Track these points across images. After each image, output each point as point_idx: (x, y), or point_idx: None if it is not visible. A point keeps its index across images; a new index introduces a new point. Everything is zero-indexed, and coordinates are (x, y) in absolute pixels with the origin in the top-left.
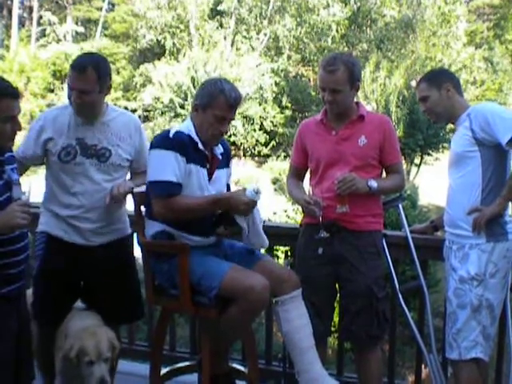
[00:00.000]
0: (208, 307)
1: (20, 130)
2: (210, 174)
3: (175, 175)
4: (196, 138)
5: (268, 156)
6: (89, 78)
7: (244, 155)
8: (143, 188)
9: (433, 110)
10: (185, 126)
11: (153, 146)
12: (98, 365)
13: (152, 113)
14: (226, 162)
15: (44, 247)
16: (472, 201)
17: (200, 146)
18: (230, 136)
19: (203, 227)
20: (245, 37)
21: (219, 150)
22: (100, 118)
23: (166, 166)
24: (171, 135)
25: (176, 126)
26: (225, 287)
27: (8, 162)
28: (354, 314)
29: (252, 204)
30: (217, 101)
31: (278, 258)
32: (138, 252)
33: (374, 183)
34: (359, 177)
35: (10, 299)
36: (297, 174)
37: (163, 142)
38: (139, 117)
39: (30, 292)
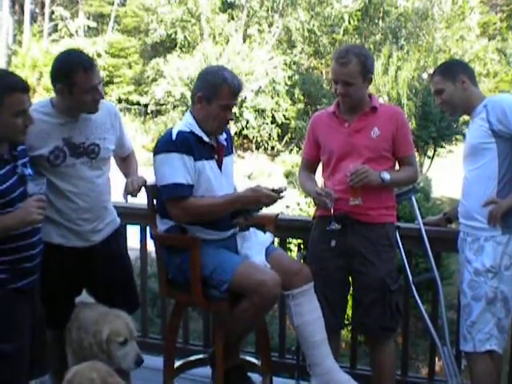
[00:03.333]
0: (219, 301)
1: (32, 123)
2: (220, 163)
3: (184, 177)
4: (199, 132)
5: (281, 150)
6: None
7: (257, 148)
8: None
9: (449, 102)
10: (184, 123)
11: (158, 151)
12: (131, 343)
13: (164, 107)
14: (230, 148)
15: (43, 257)
16: (488, 193)
17: (205, 138)
18: (242, 129)
19: (221, 222)
20: (257, 30)
21: (223, 136)
22: (83, 113)
23: (174, 169)
24: (174, 137)
25: (177, 124)
26: (236, 281)
27: (21, 156)
28: (367, 306)
29: (275, 197)
30: (221, 91)
31: (290, 250)
32: (151, 245)
33: (386, 175)
34: (372, 169)
35: (25, 292)
36: (309, 166)
37: (167, 145)
38: (151, 111)
39: None
